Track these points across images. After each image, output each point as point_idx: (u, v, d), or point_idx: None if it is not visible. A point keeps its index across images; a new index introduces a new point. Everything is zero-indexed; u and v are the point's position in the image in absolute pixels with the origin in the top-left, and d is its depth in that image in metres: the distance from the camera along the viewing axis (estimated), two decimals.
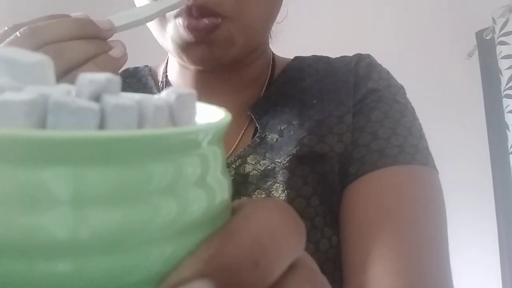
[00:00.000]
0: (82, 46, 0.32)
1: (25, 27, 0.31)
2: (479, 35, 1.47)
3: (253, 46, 0.44)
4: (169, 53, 0.51)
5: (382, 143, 0.41)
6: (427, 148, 0.43)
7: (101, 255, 0.11)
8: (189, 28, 0.38)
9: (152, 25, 0.42)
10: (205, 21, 0.38)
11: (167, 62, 0.52)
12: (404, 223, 0.37)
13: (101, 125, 0.12)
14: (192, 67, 0.47)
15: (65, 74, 0.31)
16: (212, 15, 0.38)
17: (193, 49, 0.40)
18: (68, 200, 0.10)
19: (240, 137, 0.45)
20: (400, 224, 0.37)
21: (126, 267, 0.11)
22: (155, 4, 0.38)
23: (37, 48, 0.31)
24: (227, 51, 0.40)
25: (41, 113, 0.11)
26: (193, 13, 0.38)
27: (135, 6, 0.42)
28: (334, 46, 0.80)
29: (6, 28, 0.32)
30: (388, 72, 0.48)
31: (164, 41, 0.43)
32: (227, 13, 0.38)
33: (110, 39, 0.35)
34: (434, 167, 0.42)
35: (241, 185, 0.41)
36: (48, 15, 0.34)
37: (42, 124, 0.11)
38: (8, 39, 0.31)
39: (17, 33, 0.31)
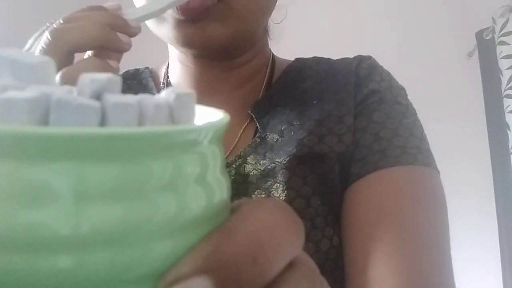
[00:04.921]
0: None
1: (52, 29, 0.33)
2: (479, 35, 1.47)
3: (245, 34, 0.44)
4: (169, 52, 0.51)
5: (384, 144, 0.41)
6: (428, 149, 0.43)
7: (101, 250, 0.11)
8: (181, 8, 0.38)
9: None
10: (198, 1, 0.38)
11: (168, 64, 0.52)
12: (406, 223, 0.37)
13: (102, 123, 0.12)
14: (187, 62, 0.47)
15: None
16: None
17: (183, 28, 0.40)
18: (69, 196, 0.11)
19: (239, 136, 0.45)
20: (401, 224, 0.37)
21: (126, 263, 0.11)
22: None
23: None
24: (218, 32, 0.40)
25: (43, 111, 0.12)
26: None
27: (134, 5, 0.42)
28: (334, 47, 0.80)
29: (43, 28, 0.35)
30: (389, 74, 0.48)
31: (154, 25, 0.43)
32: None
33: None
34: (435, 168, 0.42)
35: (241, 185, 0.42)
36: (84, 7, 0.36)
37: (45, 122, 0.12)
38: (41, 44, 0.33)
39: (48, 36, 0.33)
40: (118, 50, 0.36)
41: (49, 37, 0.33)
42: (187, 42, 0.41)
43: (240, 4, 0.40)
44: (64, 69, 0.33)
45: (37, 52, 0.34)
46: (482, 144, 1.47)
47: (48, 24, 0.37)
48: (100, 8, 0.36)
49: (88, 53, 0.36)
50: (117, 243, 0.11)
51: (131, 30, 0.36)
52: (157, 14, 0.39)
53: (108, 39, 0.34)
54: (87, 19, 0.34)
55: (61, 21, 0.35)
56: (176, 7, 0.38)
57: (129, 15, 0.37)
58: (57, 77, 0.32)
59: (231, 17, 0.40)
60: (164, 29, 0.42)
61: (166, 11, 0.39)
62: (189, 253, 0.13)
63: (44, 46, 0.33)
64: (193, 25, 0.40)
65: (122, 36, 0.36)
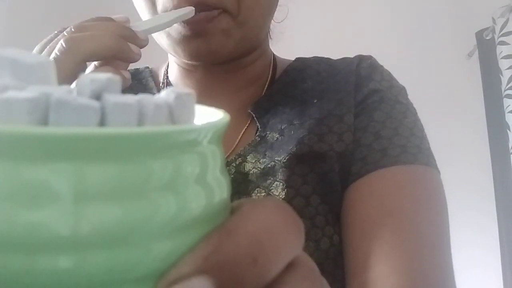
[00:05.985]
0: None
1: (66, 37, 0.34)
2: (479, 35, 1.47)
3: (249, 42, 0.44)
4: (169, 54, 0.51)
5: (384, 143, 0.42)
6: (429, 148, 0.43)
7: (101, 251, 0.11)
8: (187, 21, 0.39)
9: None
10: (204, 13, 0.39)
11: (168, 63, 0.52)
12: (406, 222, 0.37)
13: (102, 123, 0.12)
14: (189, 67, 0.47)
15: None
16: (211, 9, 0.39)
17: (189, 43, 0.41)
18: (69, 196, 0.11)
19: (240, 135, 0.45)
20: (402, 223, 0.37)
21: (126, 263, 0.11)
22: (169, 13, 0.39)
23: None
24: (223, 44, 0.41)
25: (43, 111, 0.12)
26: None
27: (134, 6, 0.43)
28: (334, 47, 0.80)
29: (51, 35, 0.36)
30: (389, 73, 0.49)
31: (160, 37, 0.43)
32: (225, 7, 0.39)
33: None
34: (436, 167, 0.42)
35: (241, 183, 0.42)
36: (93, 18, 0.37)
37: (44, 122, 0.12)
38: (55, 51, 0.34)
39: (63, 44, 0.33)
40: (129, 60, 0.37)
41: (64, 45, 0.33)
42: (193, 56, 0.42)
43: (244, 12, 0.40)
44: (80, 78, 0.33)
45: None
46: (482, 144, 1.47)
47: (56, 32, 0.37)
48: (109, 19, 0.37)
49: (95, 63, 0.36)
50: (116, 243, 0.11)
51: (140, 42, 0.37)
52: (164, 27, 0.39)
53: (121, 49, 0.35)
54: (99, 28, 0.35)
55: (73, 30, 0.35)
56: (182, 21, 0.39)
57: (136, 27, 0.38)
58: (73, 85, 0.33)
59: (236, 26, 0.40)
60: (168, 42, 0.42)
61: (172, 24, 0.39)
62: (189, 253, 0.13)
63: (58, 54, 0.33)
64: (198, 39, 0.40)
65: (133, 47, 0.36)
